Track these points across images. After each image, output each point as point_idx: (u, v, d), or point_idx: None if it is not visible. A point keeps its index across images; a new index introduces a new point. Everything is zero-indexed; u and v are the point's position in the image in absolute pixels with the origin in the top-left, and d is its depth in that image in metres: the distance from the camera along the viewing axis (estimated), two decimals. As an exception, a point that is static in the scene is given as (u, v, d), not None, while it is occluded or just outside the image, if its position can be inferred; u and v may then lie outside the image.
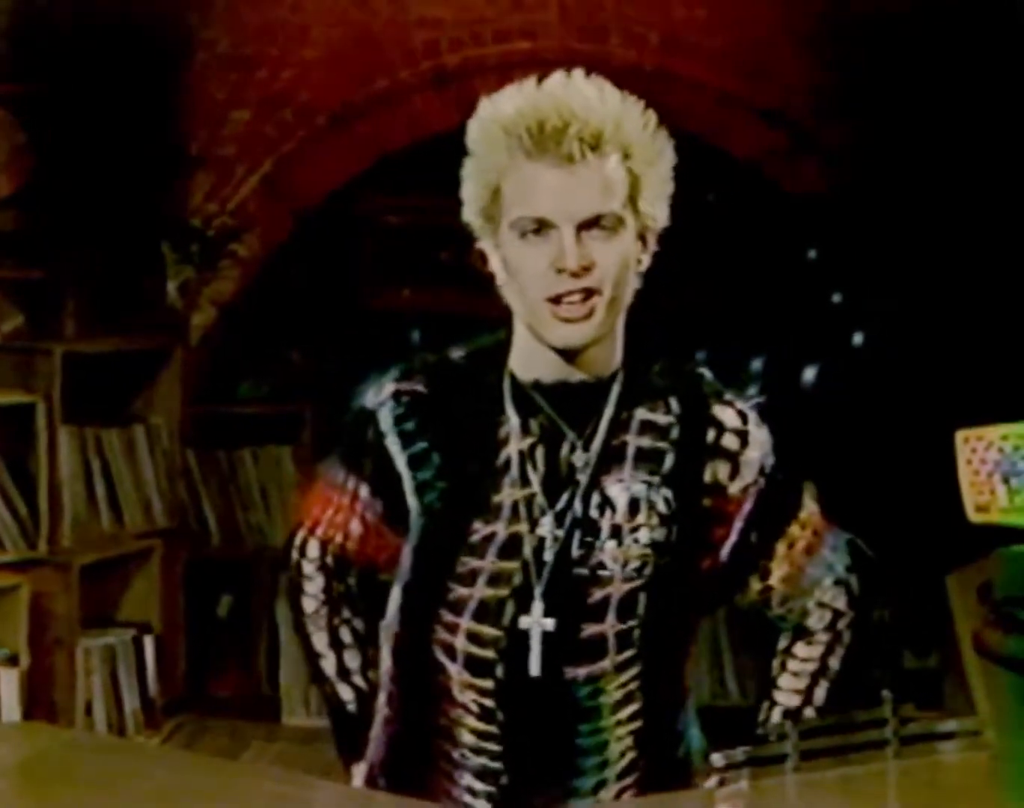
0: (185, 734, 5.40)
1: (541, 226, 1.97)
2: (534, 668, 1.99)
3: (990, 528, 3.74)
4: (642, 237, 2.03)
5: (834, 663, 2.12)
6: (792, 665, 2.13)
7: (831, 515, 2.17)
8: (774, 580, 2.10)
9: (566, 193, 1.96)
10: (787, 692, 2.12)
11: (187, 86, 6.01)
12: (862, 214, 5.95)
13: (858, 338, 6.37)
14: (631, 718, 2.02)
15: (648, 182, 2.01)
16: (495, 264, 2.05)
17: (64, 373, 4.96)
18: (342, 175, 6.13)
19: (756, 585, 2.11)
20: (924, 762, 1.88)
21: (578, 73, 2.02)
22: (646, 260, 2.05)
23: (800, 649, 2.13)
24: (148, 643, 5.36)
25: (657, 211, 2.03)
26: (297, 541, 2.25)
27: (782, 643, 2.15)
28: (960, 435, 3.72)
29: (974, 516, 3.69)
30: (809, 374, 6.39)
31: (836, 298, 6.42)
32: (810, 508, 2.13)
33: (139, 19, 5.77)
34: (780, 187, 6.03)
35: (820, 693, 2.11)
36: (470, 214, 2.06)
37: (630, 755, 2.03)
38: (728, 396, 2.08)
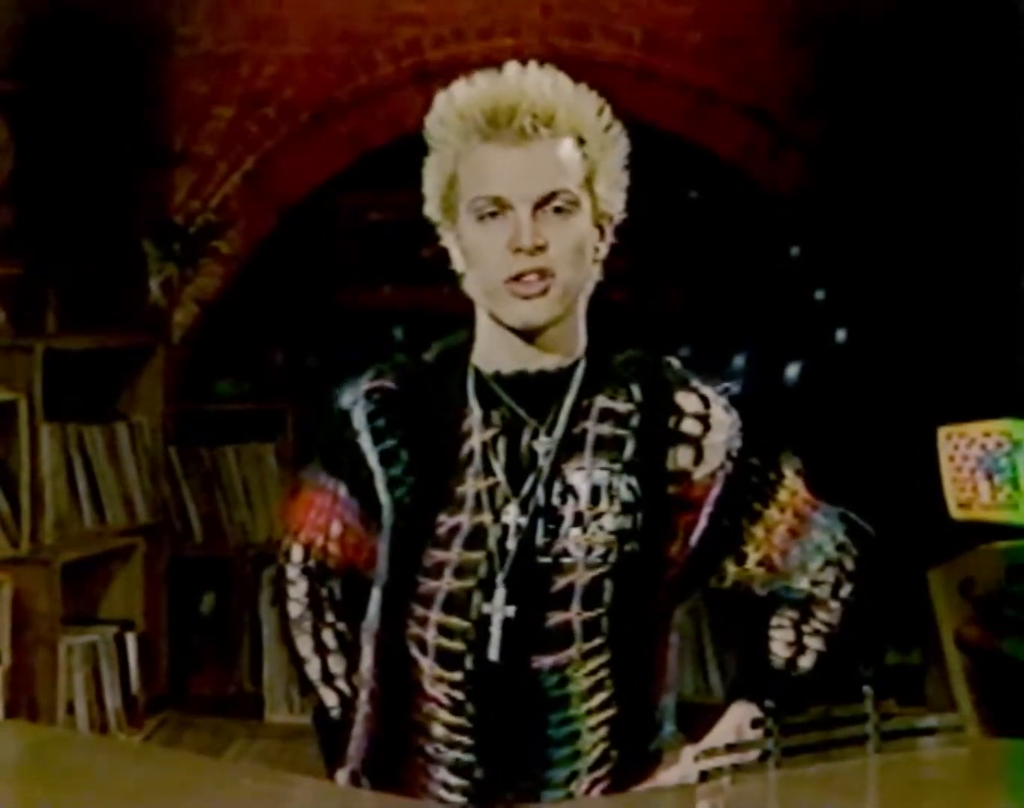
0: (167, 732, 5.39)
1: (497, 207, 1.99)
2: (493, 654, 1.99)
3: (972, 524, 3.76)
4: (599, 226, 2.05)
5: (816, 642, 2.08)
6: (779, 630, 2.10)
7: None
8: (751, 564, 2.07)
9: (521, 172, 1.98)
10: (779, 643, 2.09)
11: (169, 83, 6.00)
12: (844, 210, 5.96)
13: (841, 335, 6.38)
14: (602, 707, 2.01)
15: (604, 168, 2.03)
16: (456, 256, 2.07)
17: (46, 370, 4.94)
18: (324, 172, 6.13)
19: (732, 569, 2.08)
20: (905, 758, 1.88)
21: (532, 64, 2.04)
22: (604, 249, 2.06)
23: (789, 614, 2.10)
24: (130, 641, 5.35)
25: (613, 198, 2.06)
26: (283, 547, 2.25)
27: (774, 619, 2.11)
28: (943, 432, 3.75)
29: (956, 512, 3.72)
30: (792, 371, 6.41)
31: (819, 295, 6.44)
32: (792, 488, 2.09)
33: (121, 16, 5.77)
34: (762, 184, 6.04)
35: (808, 655, 2.08)
36: (431, 208, 2.08)
37: (602, 746, 2.01)
38: (694, 383, 2.07)
